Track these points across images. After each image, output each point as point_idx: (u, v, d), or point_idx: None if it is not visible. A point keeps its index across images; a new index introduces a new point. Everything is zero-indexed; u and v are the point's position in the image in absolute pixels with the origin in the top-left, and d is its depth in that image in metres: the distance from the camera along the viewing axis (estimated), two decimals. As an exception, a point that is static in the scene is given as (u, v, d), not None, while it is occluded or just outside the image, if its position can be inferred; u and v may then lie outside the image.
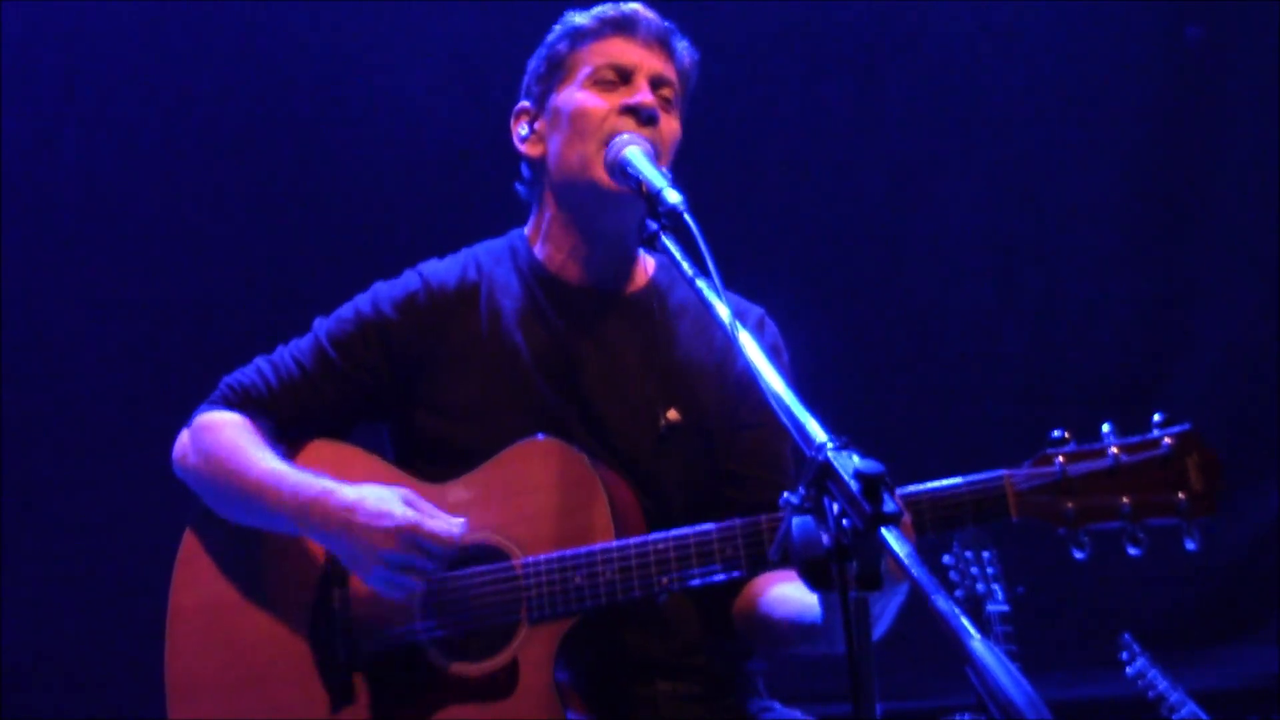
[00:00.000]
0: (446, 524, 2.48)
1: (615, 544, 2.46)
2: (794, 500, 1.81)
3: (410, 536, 2.45)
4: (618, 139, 2.56)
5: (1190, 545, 2.21)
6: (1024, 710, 1.55)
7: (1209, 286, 5.11)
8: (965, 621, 1.63)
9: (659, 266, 2.82)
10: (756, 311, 2.83)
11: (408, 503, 2.49)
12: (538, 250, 2.80)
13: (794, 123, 5.04)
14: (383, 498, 2.49)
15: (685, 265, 2.31)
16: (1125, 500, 2.23)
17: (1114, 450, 2.26)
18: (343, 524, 2.49)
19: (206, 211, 4.67)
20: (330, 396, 2.73)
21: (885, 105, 5.08)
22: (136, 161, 4.62)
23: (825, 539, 1.75)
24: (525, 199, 2.85)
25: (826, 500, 1.76)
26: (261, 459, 2.61)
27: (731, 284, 2.78)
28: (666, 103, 2.70)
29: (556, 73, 2.74)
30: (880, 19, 5.06)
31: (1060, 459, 2.28)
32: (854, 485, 1.72)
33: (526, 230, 2.85)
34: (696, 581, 2.43)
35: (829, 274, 5.00)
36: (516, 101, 2.82)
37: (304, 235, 4.70)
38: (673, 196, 2.35)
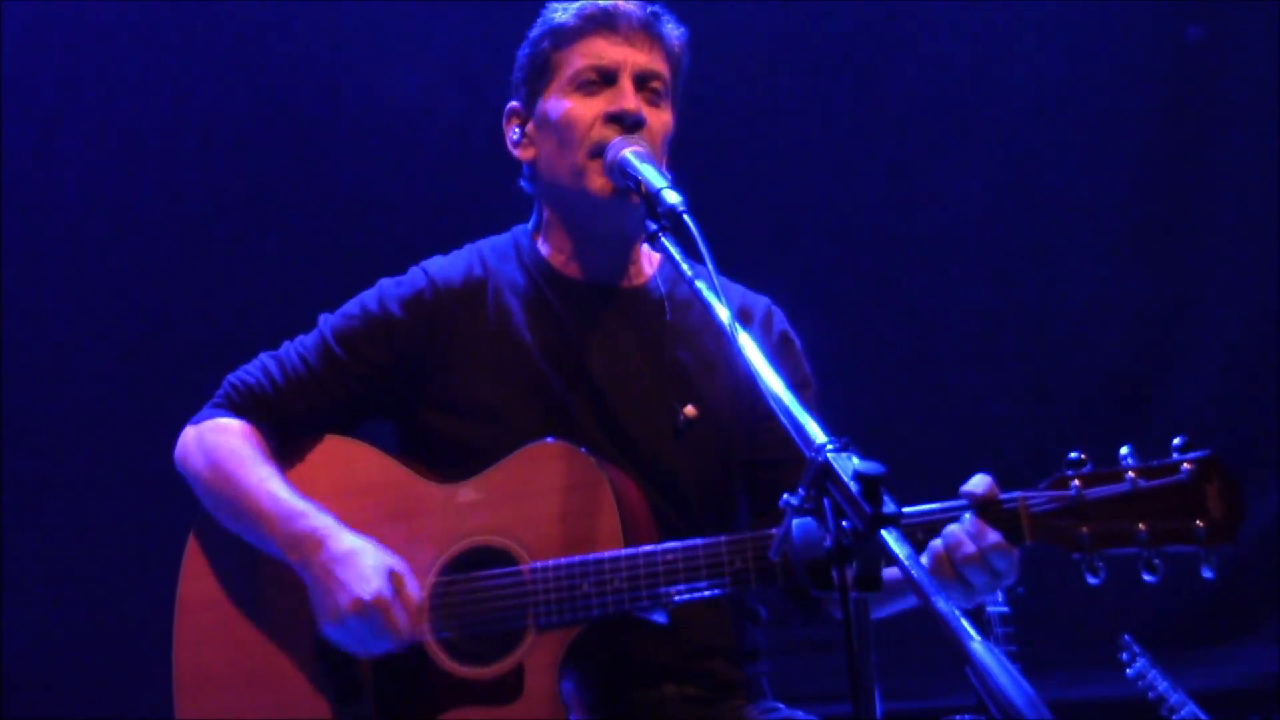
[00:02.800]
0: (410, 620, 2.48)
1: (624, 553, 2.45)
2: (794, 501, 1.81)
3: (377, 614, 2.46)
4: (614, 143, 2.56)
5: (1207, 574, 2.17)
6: (1024, 711, 1.55)
7: (1209, 287, 5.11)
8: (965, 622, 1.63)
9: (663, 260, 2.81)
10: (763, 302, 2.83)
11: (392, 576, 2.49)
12: (541, 247, 2.80)
13: (794, 123, 5.04)
14: (372, 566, 2.49)
15: (685, 266, 2.32)
16: (1142, 527, 2.20)
17: (1131, 474, 2.22)
18: (323, 571, 2.50)
19: (206, 211, 4.66)
20: (336, 394, 2.72)
21: (885, 105, 5.08)
22: (136, 161, 4.62)
23: (826, 540, 1.75)
24: (530, 194, 2.85)
25: (826, 501, 1.76)
26: (262, 479, 2.61)
27: (742, 285, 2.78)
28: (655, 95, 2.68)
29: (542, 74, 2.72)
30: (880, 19, 5.06)
31: (1076, 482, 2.25)
32: (854, 486, 1.72)
33: (530, 226, 2.85)
34: (705, 593, 2.43)
35: (829, 274, 4.99)
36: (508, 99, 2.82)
37: (304, 235, 4.70)
38: (672, 197, 2.34)
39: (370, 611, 2.46)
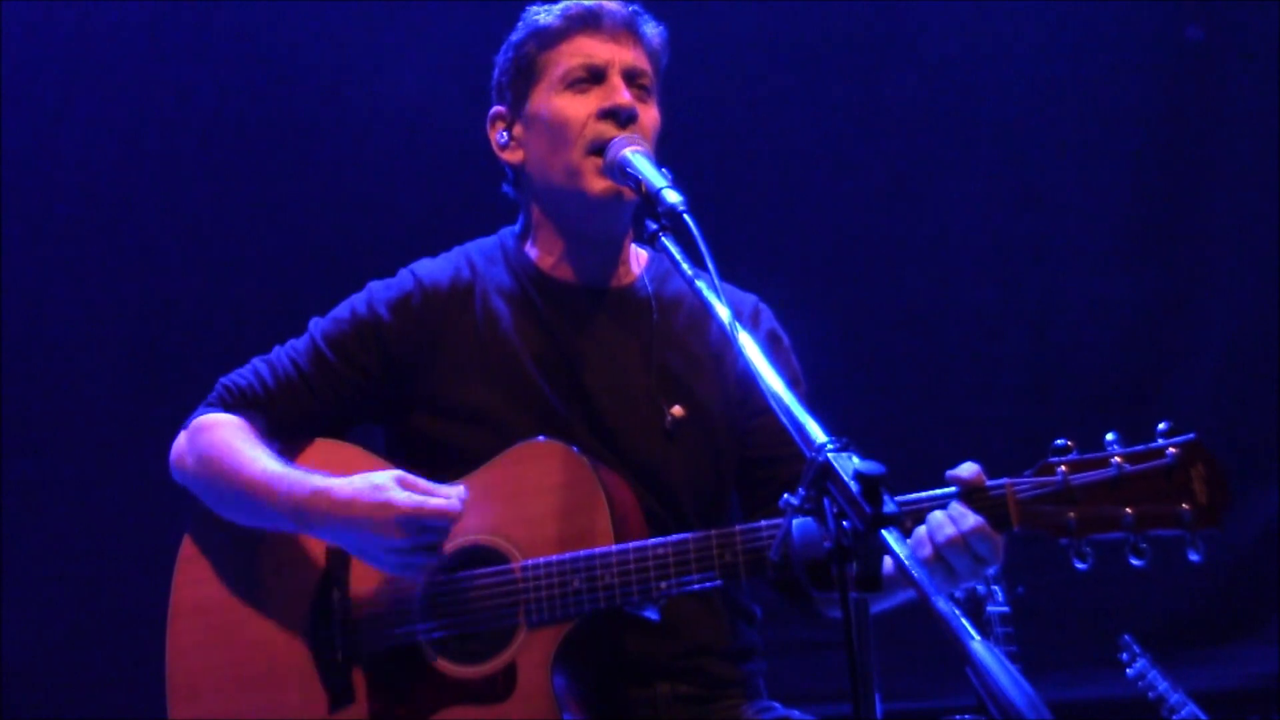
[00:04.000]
0: (445, 500, 2.45)
1: (614, 548, 2.46)
2: (794, 501, 1.81)
3: (414, 521, 2.44)
4: (615, 141, 2.56)
5: (1194, 557, 2.18)
6: (1024, 711, 1.55)
7: (1209, 287, 5.11)
8: (965, 622, 1.63)
9: (650, 259, 2.82)
10: (750, 300, 2.83)
11: (403, 485, 2.47)
12: (529, 250, 2.80)
13: (794, 123, 5.04)
14: (378, 486, 2.46)
15: (685, 265, 2.32)
16: (1128, 511, 2.21)
17: (1117, 460, 2.24)
18: (344, 519, 2.48)
19: (206, 212, 4.66)
20: (327, 397, 2.72)
21: (885, 105, 5.08)
22: (136, 161, 4.62)
23: (826, 541, 1.75)
24: (514, 199, 2.84)
25: (826, 501, 1.76)
26: (257, 458, 2.61)
27: (731, 283, 2.78)
28: (643, 91, 2.69)
29: (527, 76, 2.73)
30: (880, 19, 5.06)
31: (1063, 468, 2.27)
32: (854, 486, 1.72)
33: (517, 229, 2.84)
34: (695, 587, 2.44)
35: (829, 274, 4.99)
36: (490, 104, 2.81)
37: (304, 235, 4.70)
38: (672, 197, 2.35)
39: (409, 517, 2.42)
